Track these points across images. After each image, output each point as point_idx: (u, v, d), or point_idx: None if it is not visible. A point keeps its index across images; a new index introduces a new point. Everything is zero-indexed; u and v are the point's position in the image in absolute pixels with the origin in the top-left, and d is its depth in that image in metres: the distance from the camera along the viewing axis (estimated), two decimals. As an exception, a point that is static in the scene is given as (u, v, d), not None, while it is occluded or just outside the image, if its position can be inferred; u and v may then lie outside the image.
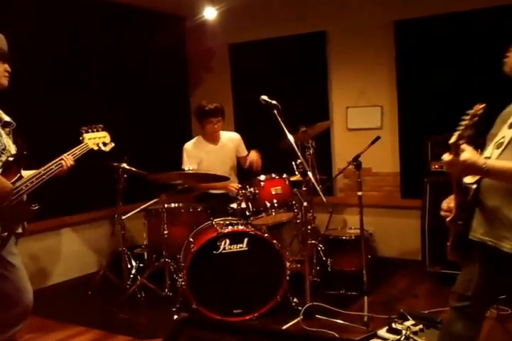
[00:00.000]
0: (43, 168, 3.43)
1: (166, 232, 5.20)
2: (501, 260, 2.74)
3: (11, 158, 3.30)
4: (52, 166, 3.47)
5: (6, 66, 3.39)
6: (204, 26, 7.21)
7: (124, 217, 5.53)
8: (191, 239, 5.09)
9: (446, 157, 2.65)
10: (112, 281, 5.77)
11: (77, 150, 3.72)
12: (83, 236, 6.52)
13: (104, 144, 4.03)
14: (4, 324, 3.34)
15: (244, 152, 6.19)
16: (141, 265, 5.87)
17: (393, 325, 4.18)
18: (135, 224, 6.64)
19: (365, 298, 4.81)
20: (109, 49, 6.70)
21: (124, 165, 5.38)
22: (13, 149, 3.40)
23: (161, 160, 6.50)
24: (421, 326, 4.17)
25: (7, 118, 3.42)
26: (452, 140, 2.55)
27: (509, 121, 2.74)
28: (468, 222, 2.86)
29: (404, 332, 4.06)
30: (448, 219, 2.92)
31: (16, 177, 3.28)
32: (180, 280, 5.04)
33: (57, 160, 3.52)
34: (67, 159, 3.58)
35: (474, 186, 2.82)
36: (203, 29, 7.39)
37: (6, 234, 3.22)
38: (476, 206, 2.83)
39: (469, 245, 2.89)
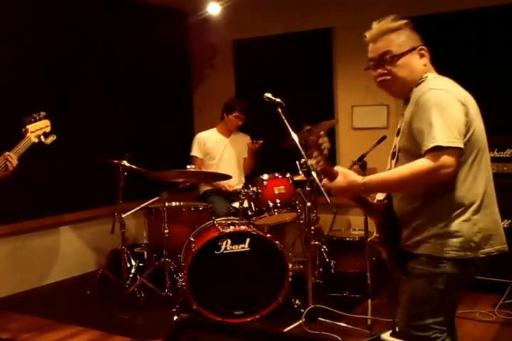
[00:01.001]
0: None
1: (166, 231, 5.21)
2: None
3: None
4: None
5: None
6: (208, 22, 7.20)
7: (124, 215, 5.50)
8: (192, 239, 5.10)
9: (325, 183, 2.67)
10: (111, 281, 5.76)
11: (20, 148, 3.55)
12: (82, 235, 6.51)
13: (46, 135, 3.81)
14: None
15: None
16: (140, 264, 5.86)
17: (397, 329, 4.10)
18: (135, 223, 6.70)
19: (369, 300, 4.76)
20: (112, 44, 6.68)
21: (125, 162, 5.36)
22: None
23: (163, 158, 6.52)
24: None
25: None
26: (317, 167, 2.60)
27: (396, 129, 2.81)
28: (395, 236, 2.79)
29: None
30: (369, 239, 3.24)
31: None
32: (180, 280, 5.03)
33: (0, 161, 3.39)
34: (12, 158, 3.45)
35: (385, 201, 2.87)
36: (206, 25, 7.37)
37: None
38: (393, 220, 2.80)
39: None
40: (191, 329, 2.64)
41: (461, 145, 2.43)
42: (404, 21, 2.79)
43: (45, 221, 5.90)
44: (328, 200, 4.29)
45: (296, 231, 5.84)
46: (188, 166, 5.46)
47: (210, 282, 4.85)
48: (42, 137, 3.75)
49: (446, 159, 2.39)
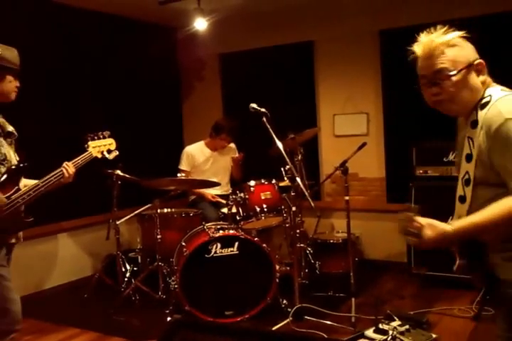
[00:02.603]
0: (41, 180, 3.41)
1: (159, 236, 5.23)
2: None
3: (13, 167, 3.32)
4: (52, 178, 3.46)
5: (17, 82, 3.42)
6: (195, 37, 7.24)
7: (118, 222, 5.57)
8: (184, 243, 5.15)
9: (415, 241, 2.32)
10: (107, 284, 5.84)
11: (80, 160, 3.69)
12: (79, 241, 6.58)
13: (109, 152, 4.00)
14: None
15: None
16: (135, 268, 5.90)
17: (380, 326, 4.18)
18: (129, 229, 6.72)
19: (353, 299, 4.87)
20: (102, 59, 6.77)
21: (118, 171, 5.45)
22: (14, 160, 3.42)
23: (154, 167, 6.57)
24: (407, 326, 4.13)
25: (10, 129, 3.43)
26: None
27: (464, 153, 2.46)
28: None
29: (390, 332, 4.05)
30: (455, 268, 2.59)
31: (13, 190, 3.27)
32: (173, 283, 5.07)
33: (57, 171, 3.50)
34: (69, 167, 3.56)
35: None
36: (194, 39, 7.44)
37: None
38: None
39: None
40: (184, 329, 2.82)
41: None
42: (460, 33, 2.50)
43: (43, 228, 5.93)
44: (313, 205, 4.41)
45: (283, 234, 5.87)
46: (179, 174, 5.59)
47: (202, 284, 4.91)
48: (105, 153, 3.94)
49: None
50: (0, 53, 3.32)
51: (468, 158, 2.42)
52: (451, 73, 2.40)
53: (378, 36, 6.55)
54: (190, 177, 6.13)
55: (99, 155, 3.90)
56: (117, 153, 4.08)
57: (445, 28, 2.54)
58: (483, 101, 2.40)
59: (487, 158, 2.31)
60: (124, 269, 5.75)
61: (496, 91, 2.41)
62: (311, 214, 6.34)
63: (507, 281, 2.37)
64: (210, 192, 6.23)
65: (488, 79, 2.48)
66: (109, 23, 6.88)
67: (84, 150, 3.82)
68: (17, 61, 3.43)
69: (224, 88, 7.78)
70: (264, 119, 4.59)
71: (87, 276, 6.50)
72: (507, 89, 2.44)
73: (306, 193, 4.57)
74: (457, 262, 2.54)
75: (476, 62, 2.43)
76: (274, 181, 5.37)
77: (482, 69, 2.45)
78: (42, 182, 3.41)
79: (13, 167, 3.34)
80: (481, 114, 2.36)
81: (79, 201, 6.36)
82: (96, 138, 3.92)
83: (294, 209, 5.01)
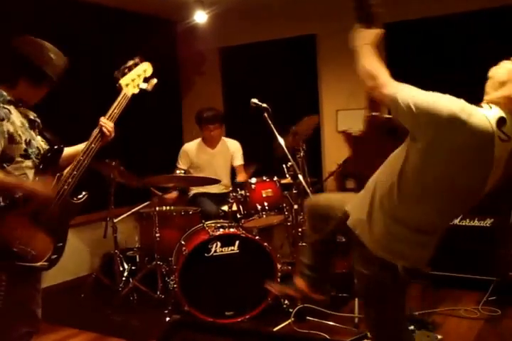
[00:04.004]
0: (81, 153, 3.14)
1: (157, 235, 5.22)
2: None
3: (48, 154, 3.06)
4: (92, 145, 3.20)
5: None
6: (195, 30, 7.23)
7: (116, 220, 5.55)
8: (183, 242, 5.11)
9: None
10: (104, 284, 5.79)
11: (116, 108, 3.48)
12: (75, 239, 6.51)
13: (146, 81, 3.60)
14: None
15: (237, 161, 6.32)
16: (133, 267, 5.87)
17: None
18: (127, 227, 6.66)
19: (356, 299, 4.81)
20: (101, 52, 6.70)
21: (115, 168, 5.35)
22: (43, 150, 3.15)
23: (153, 163, 6.54)
24: (412, 327, 4.19)
25: (32, 116, 3.19)
26: None
27: None
28: None
29: None
30: None
31: (55, 178, 3.04)
32: (172, 282, 5.05)
33: (95, 134, 3.26)
34: (106, 123, 3.35)
35: None
36: (193, 33, 7.41)
37: (61, 244, 3.23)
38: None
39: None
40: (183, 330, 2.75)
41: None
42: None
43: None
44: None
45: (284, 233, 5.84)
46: (178, 171, 5.53)
47: (201, 284, 4.88)
48: (142, 84, 3.58)
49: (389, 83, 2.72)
50: (50, 56, 3.19)
51: None
52: None
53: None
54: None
55: (137, 91, 3.56)
56: (156, 80, 3.69)
57: None
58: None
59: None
60: (121, 268, 5.71)
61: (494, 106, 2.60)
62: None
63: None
64: (211, 189, 6.13)
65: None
66: (108, 16, 6.82)
67: (117, 92, 3.50)
68: (61, 72, 3.23)
69: (224, 83, 7.74)
70: (266, 115, 4.56)
71: (83, 275, 6.44)
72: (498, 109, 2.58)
73: (309, 191, 4.52)
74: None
75: None
76: (275, 178, 5.33)
77: None
78: (83, 156, 3.14)
79: (45, 155, 3.07)
80: None
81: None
82: (127, 70, 3.59)
83: (295, 207, 5.09)
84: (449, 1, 5.91)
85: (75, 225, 6.34)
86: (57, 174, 3.06)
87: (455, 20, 5.88)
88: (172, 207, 5.99)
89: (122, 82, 3.49)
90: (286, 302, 5.04)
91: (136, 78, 3.54)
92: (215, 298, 4.90)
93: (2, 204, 2.85)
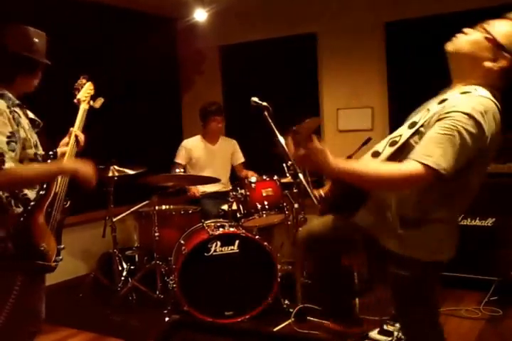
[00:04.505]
0: (66, 156, 3.20)
1: (157, 234, 5.22)
2: (384, 252, 2.73)
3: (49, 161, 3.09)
4: (73, 150, 3.26)
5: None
6: (194, 28, 7.22)
7: (115, 219, 5.53)
8: (182, 241, 5.12)
9: (299, 152, 2.58)
10: (103, 283, 5.78)
11: (80, 120, 3.49)
12: (74, 239, 6.44)
13: (93, 99, 3.72)
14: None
15: (240, 159, 6.41)
16: (132, 267, 5.86)
17: (385, 327, 4.22)
18: (126, 227, 6.67)
19: (357, 299, 4.74)
20: (100, 50, 6.69)
21: (115, 166, 5.40)
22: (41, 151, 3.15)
23: (152, 162, 6.51)
24: None
25: (31, 115, 3.16)
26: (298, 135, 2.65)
27: (411, 120, 2.66)
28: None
29: (395, 333, 4.09)
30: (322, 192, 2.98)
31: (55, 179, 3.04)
32: (171, 282, 5.04)
33: (73, 140, 3.30)
34: (80, 134, 3.38)
35: None
36: (193, 31, 7.40)
37: (61, 246, 3.22)
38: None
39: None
40: (183, 330, 2.73)
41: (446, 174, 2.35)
42: None
43: None
44: (315, 201, 4.36)
45: (285, 232, 5.83)
46: (177, 170, 5.52)
47: (201, 283, 4.87)
48: (91, 102, 3.68)
49: (426, 173, 2.35)
50: (36, 42, 3.12)
51: (412, 125, 2.58)
52: (488, 32, 2.63)
53: (384, 28, 6.44)
54: (187, 172, 6.15)
55: (87, 107, 3.63)
56: (103, 100, 3.79)
57: None
58: (466, 90, 2.53)
59: (424, 131, 2.49)
60: (120, 268, 5.70)
61: (483, 91, 2.50)
62: (314, 212, 6.19)
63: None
64: (210, 188, 6.11)
65: (493, 81, 2.58)
66: (108, 14, 6.81)
67: (77, 106, 3.60)
68: (44, 50, 3.19)
69: (224, 81, 7.72)
70: (266, 113, 4.52)
71: (82, 275, 6.44)
72: (485, 90, 2.53)
73: (309, 190, 4.49)
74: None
75: (506, 54, 2.54)
76: (275, 177, 5.34)
77: (501, 61, 2.55)
78: (69, 158, 3.22)
79: (52, 154, 3.13)
80: (453, 97, 2.51)
81: (74, 197, 6.22)
82: (80, 87, 3.71)
83: (296, 206, 5.03)
84: (448, 0, 5.90)
85: (74, 224, 6.35)
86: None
87: (455, 18, 5.86)
88: (171, 207, 5.98)
89: (80, 97, 3.61)
90: (286, 302, 5.04)
91: (87, 95, 3.65)
92: (214, 297, 4.89)
93: (42, 192, 2.91)
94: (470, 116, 2.37)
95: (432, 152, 2.36)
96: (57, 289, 6.04)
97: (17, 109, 2.91)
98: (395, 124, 6.39)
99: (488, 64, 2.55)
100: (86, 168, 3.01)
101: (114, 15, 6.88)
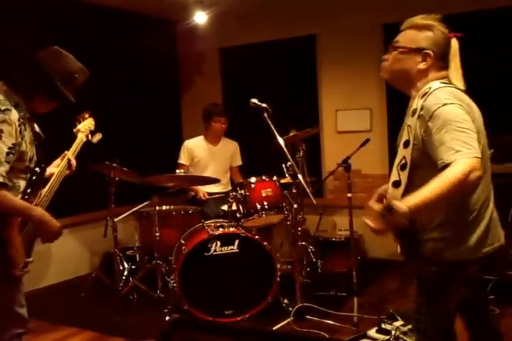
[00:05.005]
0: (54, 177, 3.29)
1: (157, 234, 5.21)
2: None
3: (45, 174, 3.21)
4: (61, 172, 3.35)
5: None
6: (195, 30, 7.24)
7: (116, 220, 5.54)
8: (183, 241, 5.13)
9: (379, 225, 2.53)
10: (104, 283, 5.82)
11: (76, 147, 3.58)
12: (76, 239, 6.54)
13: (92, 134, 3.86)
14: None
15: (237, 162, 6.44)
16: (133, 267, 5.88)
17: (383, 326, 4.23)
18: (127, 226, 6.69)
19: (355, 298, 4.83)
20: (101, 53, 6.70)
21: (116, 168, 5.36)
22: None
23: (153, 163, 6.55)
24: (410, 326, 4.15)
25: (37, 129, 3.23)
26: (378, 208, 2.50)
27: (402, 141, 2.69)
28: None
29: (393, 332, 4.10)
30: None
31: (38, 194, 3.14)
32: (172, 281, 5.07)
33: (64, 162, 3.40)
34: (72, 159, 3.47)
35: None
36: (193, 33, 7.42)
37: (30, 259, 3.13)
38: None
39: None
40: (183, 329, 2.76)
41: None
42: (433, 22, 2.89)
43: None
44: (314, 202, 4.39)
45: (284, 232, 5.85)
46: (178, 171, 5.54)
47: (201, 283, 4.88)
48: (89, 136, 3.81)
49: (474, 161, 2.36)
50: (75, 77, 3.26)
51: (406, 144, 2.64)
52: (398, 46, 2.80)
53: (382, 30, 6.48)
54: (189, 173, 6.15)
55: (85, 139, 3.75)
56: (101, 136, 3.92)
57: (432, 15, 2.97)
58: (424, 91, 2.63)
59: (421, 143, 2.56)
60: (121, 267, 5.72)
61: (435, 84, 2.65)
62: (313, 212, 6.34)
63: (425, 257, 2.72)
64: (211, 189, 6.15)
65: (434, 74, 2.74)
66: (109, 16, 6.84)
67: (75, 135, 3.71)
68: (79, 87, 3.30)
69: (224, 83, 7.75)
70: (265, 115, 4.55)
71: (84, 275, 6.47)
72: (447, 82, 2.70)
73: (308, 190, 4.53)
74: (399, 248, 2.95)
75: (425, 51, 2.73)
76: (275, 178, 5.33)
77: (427, 59, 2.73)
78: (55, 180, 3.30)
79: (38, 170, 3.16)
80: (420, 103, 2.59)
81: (76, 198, 6.25)
82: (82, 120, 3.82)
83: (295, 206, 5.01)
84: (450, 1, 5.92)
85: (76, 224, 6.40)
86: (40, 191, 3.16)
87: (452, 21, 5.89)
88: (172, 207, 5.99)
89: (80, 127, 3.75)
90: (285, 301, 5.06)
91: (87, 128, 3.79)
92: (214, 297, 4.91)
93: None
94: (447, 104, 2.49)
95: (458, 148, 2.40)
96: (59, 288, 6.15)
97: (25, 122, 2.98)
98: (393, 125, 6.46)
99: (421, 66, 2.74)
100: (55, 229, 3.07)
101: (115, 18, 6.91)
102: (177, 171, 5.69)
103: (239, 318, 4.90)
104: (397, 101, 6.41)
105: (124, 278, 5.67)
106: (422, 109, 2.56)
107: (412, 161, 2.61)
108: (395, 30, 6.09)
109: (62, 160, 3.46)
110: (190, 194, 6.28)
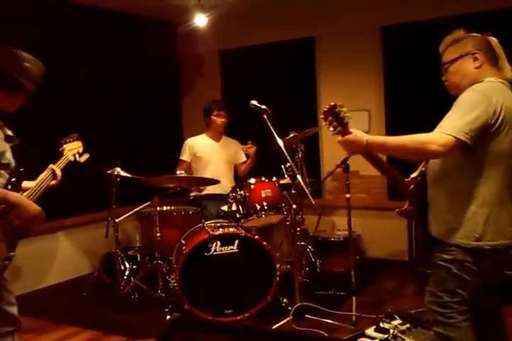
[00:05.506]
0: (36, 184, 3.35)
1: (158, 234, 5.22)
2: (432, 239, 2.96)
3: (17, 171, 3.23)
4: (45, 181, 3.42)
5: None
6: (195, 33, 7.27)
7: (117, 220, 5.57)
8: (183, 241, 5.14)
9: (338, 139, 2.96)
10: (106, 283, 5.85)
11: (61, 162, 3.71)
12: (77, 239, 6.58)
13: (79, 154, 4.01)
14: None
15: (242, 158, 6.39)
16: (134, 266, 5.90)
17: (381, 324, 4.25)
18: (128, 227, 6.72)
19: (354, 298, 4.84)
20: (101, 55, 6.77)
21: (118, 169, 5.46)
22: (13, 164, 3.28)
23: (153, 164, 6.57)
24: (408, 325, 4.20)
25: (9, 132, 3.27)
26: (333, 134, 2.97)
27: None
28: (423, 216, 3.05)
29: (391, 331, 4.11)
30: (397, 209, 3.21)
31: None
32: (172, 281, 5.09)
33: (47, 172, 3.50)
34: (57, 170, 3.57)
35: (419, 178, 3.11)
36: (193, 35, 7.45)
37: (12, 253, 3.15)
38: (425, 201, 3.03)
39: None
40: (183, 328, 2.78)
41: (464, 139, 2.64)
42: (460, 32, 3.03)
43: (42, 226, 5.96)
44: (313, 202, 4.41)
45: (283, 232, 5.85)
46: (178, 172, 5.56)
47: (201, 282, 4.90)
48: (77, 156, 3.96)
49: (443, 139, 2.64)
50: (26, 66, 3.22)
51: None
52: (445, 63, 3.01)
53: (380, 32, 6.53)
54: (191, 170, 6.20)
55: (72, 158, 3.90)
56: (88, 155, 4.09)
57: (460, 31, 3.04)
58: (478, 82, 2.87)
59: None
60: (123, 267, 5.75)
61: (486, 79, 2.88)
62: (311, 212, 6.37)
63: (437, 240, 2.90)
64: (213, 190, 6.16)
65: (491, 70, 2.93)
66: (109, 19, 6.88)
67: (60, 153, 3.84)
68: (38, 80, 3.30)
69: (224, 84, 7.78)
70: (265, 116, 4.58)
71: (85, 274, 6.51)
72: (497, 79, 2.89)
73: (307, 191, 4.55)
74: (405, 206, 3.20)
75: (472, 52, 2.92)
76: (274, 179, 5.35)
77: (478, 57, 2.92)
78: (37, 186, 3.35)
79: (18, 172, 3.21)
80: None
81: (78, 199, 6.33)
82: (68, 141, 3.95)
83: (294, 206, 5.01)
84: (449, 3, 5.96)
85: (78, 225, 6.42)
86: (20, 192, 3.18)
87: (451, 22, 5.92)
88: (172, 207, 6.00)
89: (66, 147, 3.91)
90: (285, 300, 5.09)
91: (74, 149, 3.96)
92: (214, 296, 4.93)
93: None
94: (472, 90, 2.79)
95: (445, 122, 2.73)
96: (61, 288, 6.17)
97: None
98: (391, 126, 6.51)
99: (476, 64, 2.93)
100: (35, 212, 3.04)
101: (117, 21, 6.95)
102: (177, 172, 5.70)
103: (239, 317, 4.92)
104: (395, 103, 6.52)
105: (125, 277, 5.70)
106: None
107: None
108: (394, 31, 6.16)
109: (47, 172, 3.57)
110: (191, 195, 6.30)
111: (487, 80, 2.86)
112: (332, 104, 2.95)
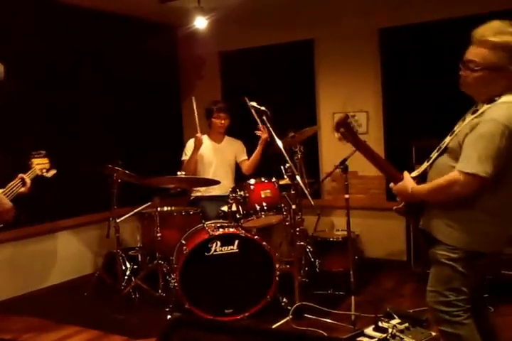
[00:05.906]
0: (5, 190, 3.51)
1: (159, 235, 5.23)
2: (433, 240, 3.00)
3: None
4: (14, 187, 3.59)
5: None
6: (195, 35, 7.28)
7: (118, 220, 5.58)
8: (183, 241, 5.16)
9: (391, 186, 3.13)
10: (107, 282, 5.85)
11: (30, 174, 3.89)
12: (79, 239, 6.58)
13: (47, 170, 4.18)
14: None
15: (243, 156, 6.39)
16: (135, 266, 5.90)
17: (380, 324, 4.22)
18: (129, 227, 6.71)
19: (353, 297, 4.86)
20: (102, 57, 6.79)
21: (118, 169, 5.44)
22: None
23: (154, 165, 6.58)
24: (406, 324, 4.18)
25: None
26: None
27: (455, 129, 2.96)
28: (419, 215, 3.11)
29: (390, 330, 4.09)
30: (395, 207, 3.23)
31: None
32: (173, 281, 5.10)
33: (17, 180, 3.65)
34: (26, 178, 3.72)
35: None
36: (194, 38, 7.47)
37: None
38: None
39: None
40: (184, 327, 2.81)
41: (488, 177, 2.69)
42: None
43: (43, 227, 6.00)
44: (312, 203, 4.45)
45: (283, 232, 5.84)
46: (179, 172, 5.59)
47: (201, 282, 4.92)
48: (44, 171, 4.15)
49: (465, 177, 2.72)
50: None
51: (452, 133, 2.96)
52: (476, 68, 2.83)
53: (378, 34, 6.55)
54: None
55: (40, 173, 4.09)
56: (55, 171, 4.26)
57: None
58: (495, 99, 2.81)
59: (462, 140, 2.81)
60: (124, 267, 5.77)
61: (507, 97, 2.81)
62: (311, 213, 6.35)
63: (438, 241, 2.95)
64: (214, 191, 6.17)
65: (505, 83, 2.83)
66: (110, 22, 6.90)
67: (29, 166, 4.01)
68: None
69: (224, 86, 7.80)
70: (264, 118, 4.60)
71: (87, 274, 6.53)
72: (507, 96, 2.82)
73: (306, 191, 4.58)
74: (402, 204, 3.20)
75: (504, 69, 2.77)
76: (274, 179, 5.35)
77: (508, 76, 2.79)
78: (6, 191, 3.52)
79: None
80: (484, 108, 2.81)
81: (79, 199, 6.36)
82: (36, 156, 4.12)
83: (293, 207, 5.01)
84: (445, 6, 5.99)
85: (79, 225, 6.43)
86: None
87: (448, 25, 5.94)
88: (173, 208, 6.00)
89: (34, 161, 4.11)
90: (284, 300, 5.11)
91: (41, 164, 4.15)
92: (214, 296, 4.94)
93: None
94: (493, 123, 2.71)
95: (468, 159, 2.74)
96: (62, 288, 6.18)
97: None
98: (389, 128, 6.55)
99: (506, 83, 2.84)
100: (6, 206, 3.31)
101: (115, 23, 6.96)
102: (178, 173, 5.72)
103: (239, 317, 4.94)
104: (393, 104, 6.55)
105: (126, 277, 5.71)
106: (481, 114, 2.80)
107: (446, 147, 2.95)
108: (391, 34, 6.18)
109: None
110: (191, 195, 6.33)
111: (505, 101, 2.80)
112: (344, 115, 3.06)
